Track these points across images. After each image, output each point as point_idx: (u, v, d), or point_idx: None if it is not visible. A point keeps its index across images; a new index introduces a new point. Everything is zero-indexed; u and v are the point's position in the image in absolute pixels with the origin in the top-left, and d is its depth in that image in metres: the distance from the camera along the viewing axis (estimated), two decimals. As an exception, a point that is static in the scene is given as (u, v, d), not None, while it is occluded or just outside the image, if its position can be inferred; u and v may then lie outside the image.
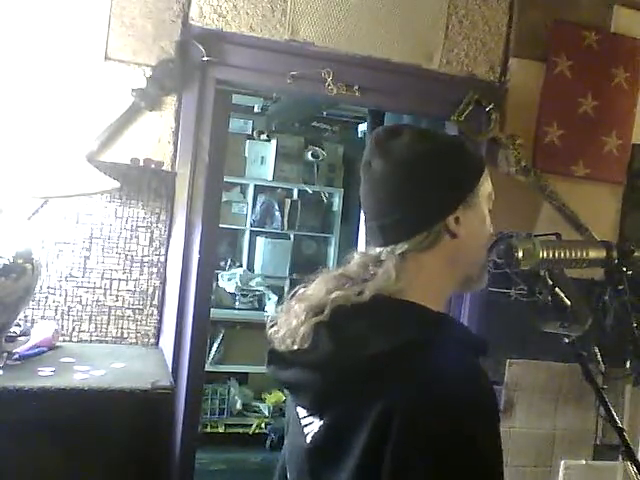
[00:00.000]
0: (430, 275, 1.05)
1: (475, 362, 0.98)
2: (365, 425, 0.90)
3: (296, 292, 1.10)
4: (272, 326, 1.08)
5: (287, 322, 1.05)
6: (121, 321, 2.03)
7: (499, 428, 0.93)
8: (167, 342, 2.08)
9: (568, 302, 1.54)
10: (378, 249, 1.06)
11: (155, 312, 2.07)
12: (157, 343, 2.07)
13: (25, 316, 1.92)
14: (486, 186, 1.09)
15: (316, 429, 0.99)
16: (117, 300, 2.03)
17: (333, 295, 1.02)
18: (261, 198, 5.00)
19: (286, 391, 1.09)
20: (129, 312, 2.04)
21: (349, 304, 1.01)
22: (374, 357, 0.93)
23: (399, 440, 0.88)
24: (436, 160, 1.05)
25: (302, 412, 1.04)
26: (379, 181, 1.06)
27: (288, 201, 5.04)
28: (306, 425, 1.02)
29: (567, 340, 1.60)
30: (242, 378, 4.84)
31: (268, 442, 4.60)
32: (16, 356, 1.66)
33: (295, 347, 1.02)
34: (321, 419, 0.98)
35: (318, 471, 0.98)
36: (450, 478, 0.87)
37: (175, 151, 2.08)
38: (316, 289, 1.06)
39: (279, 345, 1.05)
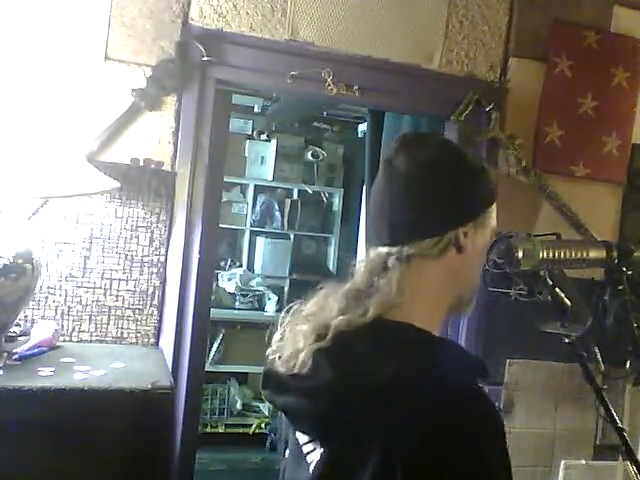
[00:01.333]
0: (430, 289, 1.04)
1: (476, 388, 0.96)
2: (367, 461, 0.88)
3: (292, 307, 1.07)
4: (275, 344, 1.06)
5: (294, 342, 1.02)
6: (121, 321, 2.03)
7: (506, 452, 0.92)
8: (167, 342, 2.08)
9: (568, 302, 1.55)
10: (382, 249, 1.04)
11: (155, 312, 2.07)
12: (157, 343, 2.07)
13: (25, 316, 1.92)
14: (494, 217, 1.09)
15: (318, 457, 0.96)
16: (117, 300, 2.03)
17: (336, 321, 0.99)
18: (261, 198, 5.00)
19: (283, 416, 1.06)
20: (129, 312, 2.04)
21: (352, 328, 0.98)
22: (373, 388, 0.90)
23: (407, 476, 0.86)
24: (460, 170, 1.05)
25: (302, 438, 1.01)
26: (399, 178, 1.04)
27: (288, 201, 5.04)
28: (308, 453, 0.99)
29: (567, 340, 1.60)
30: (242, 378, 4.84)
31: (268, 442, 4.60)
32: (16, 356, 1.66)
33: (295, 371, 0.99)
34: (322, 447, 0.96)
35: None
36: None
37: (175, 151, 2.08)
38: (326, 308, 1.03)
39: (281, 366, 1.02)
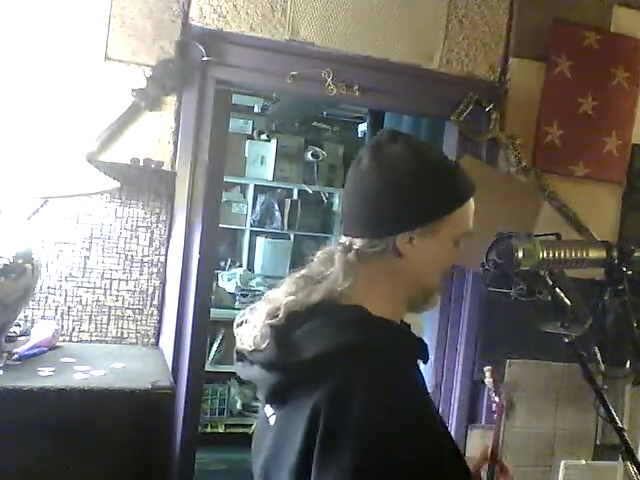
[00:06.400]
0: (378, 280, 1.08)
1: (405, 368, 1.01)
2: (300, 426, 0.95)
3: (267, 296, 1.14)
4: (240, 324, 1.13)
5: (251, 322, 1.10)
6: (121, 321, 2.03)
7: (426, 429, 0.96)
8: (167, 342, 2.08)
9: (568, 302, 1.54)
10: (340, 239, 1.11)
11: (155, 312, 2.07)
12: (157, 343, 2.07)
13: (25, 316, 1.92)
14: (461, 221, 1.08)
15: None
16: (117, 300, 2.03)
17: (286, 300, 1.06)
18: (261, 198, 5.00)
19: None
20: (129, 312, 2.04)
21: (303, 308, 1.05)
22: (307, 361, 0.98)
23: (324, 427, 0.92)
24: (415, 178, 1.05)
25: (269, 411, 1.08)
26: (360, 176, 1.09)
27: (288, 201, 5.04)
28: (273, 425, 1.06)
29: (567, 340, 1.60)
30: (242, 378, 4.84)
31: (268, 442, 4.59)
32: (16, 356, 1.66)
33: (253, 347, 1.06)
34: (276, 413, 1.05)
35: (269, 470, 1.02)
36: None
37: (175, 151, 2.08)
38: (280, 291, 1.11)
39: (241, 344, 1.09)
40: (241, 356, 1.11)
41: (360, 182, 1.08)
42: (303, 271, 1.12)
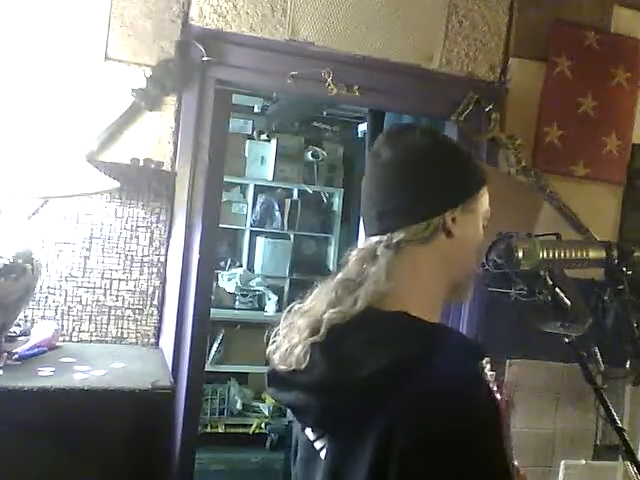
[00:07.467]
0: (423, 275, 1.04)
1: (474, 371, 0.96)
2: (367, 447, 0.89)
3: (293, 306, 1.07)
4: (273, 342, 1.06)
5: (289, 338, 1.03)
6: (121, 321, 2.03)
7: (502, 438, 0.92)
8: (167, 342, 2.08)
9: (568, 302, 1.54)
10: (375, 239, 1.04)
11: (155, 312, 2.07)
12: (157, 343, 2.07)
13: (25, 316, 1.92)
14: (485, 199, 1.09)
15: (326, 450, 0.97)
16: (117, 300, 2.03)
17: (327, 315, 0.99)
18: (261, 198, 5.00)
19: (290, 412, 1.06)
20: (129, 312, 2.04)
21: (345, 320, 0.98)
22: (368, 377, 0.91)
23: (404, 459, 0.86)
24: (444, 156, 1.06)
25: (312, 436, 1.01)
26: (386, 168, 1.05)
27: (288, 201, 5.04)
28: (320, 449, 0.99)
29: (567, 340, 1.60)
30: (242, 378, 4.84)
31: (268, 442, 4.59)
32: (16, 356, 1.66)
33: (293, 367, 0.99)
34: (328, 440, 0.97)
35: None
36: None
37: (175, 151, 2.08)
38: (317, 302, 1.04)
39: (280, 363, 1.02)
40: (275, 379, 1.03)
41: (388, 173, 1.04)
42: (340, 275, 1.05)
